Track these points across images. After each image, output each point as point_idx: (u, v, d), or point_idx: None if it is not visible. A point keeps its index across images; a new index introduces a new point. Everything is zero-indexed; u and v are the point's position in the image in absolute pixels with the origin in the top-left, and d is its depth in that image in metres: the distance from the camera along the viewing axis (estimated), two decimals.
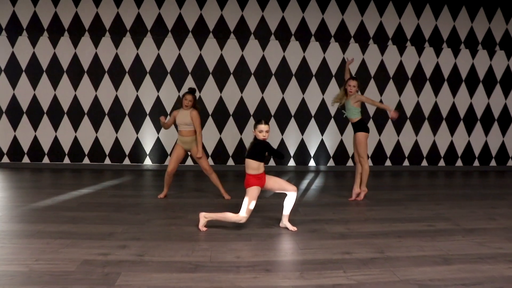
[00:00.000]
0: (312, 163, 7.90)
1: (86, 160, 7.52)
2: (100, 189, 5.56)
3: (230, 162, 7.72)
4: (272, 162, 7.76)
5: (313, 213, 4.45)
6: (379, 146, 7.98)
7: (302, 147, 7.83)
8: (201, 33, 7.47)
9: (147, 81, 7.47)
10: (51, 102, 7.38)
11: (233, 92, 7.60)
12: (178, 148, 5.04)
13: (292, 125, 7.76)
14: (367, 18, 7.73)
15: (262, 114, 7.50)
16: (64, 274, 2.65)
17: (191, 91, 5.03)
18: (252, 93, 7.63)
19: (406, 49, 7.87)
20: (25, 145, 7.44)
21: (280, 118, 7.71)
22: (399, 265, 2.93)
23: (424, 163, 8.15)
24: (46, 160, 7.48)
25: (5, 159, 7.45)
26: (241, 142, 7.66)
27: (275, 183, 3.75)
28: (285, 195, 3.83)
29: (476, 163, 8.29)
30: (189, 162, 7.56)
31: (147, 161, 7.62)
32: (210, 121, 7.59)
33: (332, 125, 7.84)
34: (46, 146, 7.46)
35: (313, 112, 7.78)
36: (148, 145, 7.59)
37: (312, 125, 7.81)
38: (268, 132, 3.62)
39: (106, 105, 7.46)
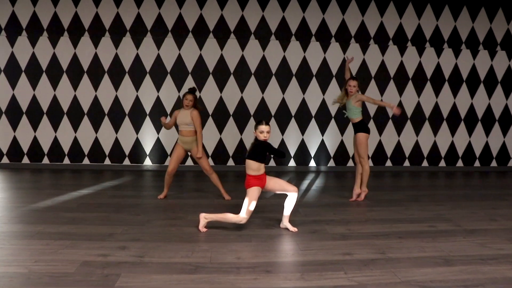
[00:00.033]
0: (312, 163, 7.89)
1: (86, 161, 7.51)
2: (100, 190, 5.54)
3: (230, 162, 7.70)
4: (272, 163, 7.75)
5: (313, 213, 4.44)
6: (380, 147, 7.97)
7: (302, 148, 7.81)
8: (201, 33, 7.46)
9: (147, 81, 7.45)
10: (50, 102, 7.37)
11: (233, 92, 7.59)
12: (178, 148, 5.03)
13: (293, 125, 7.75)
14: (367, 18, 7.71)
15: (262, 114, 7.49)
16: (63, 275, 2.64)
17: (192, 90, 5.02)
18: (253, 93, 7.61)
19: (407, 49, 7.86)
20: (25, 146, 7.43)
21: (280, 119, 7.69)
22: (400, 266, 2.91)
23: (425, 163, 8.13)
24: (46, 160, 7.47)
25: (5, 160, 7.44)
26: (241, 142, 7.65)
27: (275, 184, 3.73)
28: (285, 195, 3.81)
29: (477, 163, 8.28)
30: (189, 162, 7.54)
31: (147, 162, 7.60)
32: (210, 121, 7.58)
33: (332, 126, 7.83)
34: (46, 146, 7.44)
35: (313, 112, 7.77)
36: (148, 146, 7.57)
37: (313, 125, 7.79)
38: (269, 133, 3.60)
39: (106, 105, 7.45)
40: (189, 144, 4.98)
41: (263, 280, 2.65)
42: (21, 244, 3.23)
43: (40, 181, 6.22)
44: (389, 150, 8.01)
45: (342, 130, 7.83)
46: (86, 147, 7.49)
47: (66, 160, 7.49)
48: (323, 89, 7.74)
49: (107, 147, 7.51)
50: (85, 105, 7.42)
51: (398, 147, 8.02)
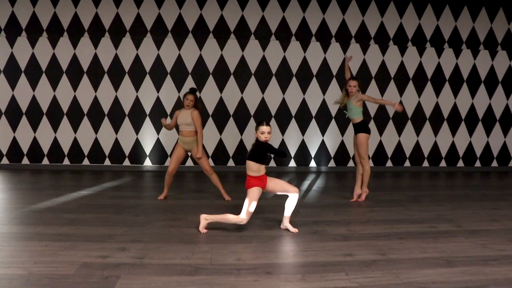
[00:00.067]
0: (313, 163, 7.87)
1: (86, 161, 7.50)
2: (99, 191, 5.53)
3: (231, 163, 7.69)
4: (272, 163, 7.73)
5: (314, 214, 4.42)
6: (380, 147, 7.95)
7: (303, 148, 7.80)
8: (201, 33, 7.44)
9: (147, 81, 7.44)
10: (50, 103, 7.35)
11: (233, 92, 7.57)
12: (178, 148, 5.01)
13: (293, 125, 7.73)
14: (368, 18, 7.70)
15: (262, 115, 7.48)
16: (63, 277, 2.62)
17: (192, 91, 5.00)
18: (253, 94, 7.60)
19: (407, 49, 7.84)
20: (25, 146, 7.41)
21: (280, 119, 7.68)
22: (402, 267, 2.90)
23: (425, 163, 8.11)
24: (45, 161, 7.45)
25: (5, 161, 7.42)
26: (241, 143, 7.63)
27: (276, 185, 3.71)
28: (286, 196, 3.80)
29: (478, 163, 8.26)
30: (189, 163, 7.53)
31: (147, 162, 7.59)
32: (210, 121, 7.56)
33: (333, 126, 7.81)
34: (45, 147, 7.43)
35: (313, 112, 7.75)
36: (148, 146, 7.56)
37: (313, 125, 7.77)
38: (270, 134, 3.58)
39: (106, 106, 7.43)
40: (190, 144, 4.97)
41: (263, 281, 2.63)
42: (21, 245, 3.21)
43: (39, 182, 6.20)
44: (389, 150, 7.99)
45: (342, 130, 7.82)
46: (86, 147, 7.47)
47: (66, 161, 7.47)
48: (324, 89, 7.73)
49: (107, 148, 7.50)
50: (85, 106, 7.40)
51: (399, 147, 8.01)
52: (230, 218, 3.61)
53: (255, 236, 3.60)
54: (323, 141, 7.82)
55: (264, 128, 3.55)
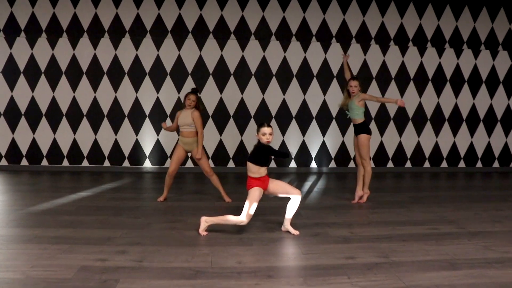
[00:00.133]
0: (313, 164, 7.83)
1: (85, 163, 7.46)
2: (99, 192, 5.49)
3: (231, 164, 7.65)
4: (273, 164, 7.70)
5: (315, 216, 4.38)
6: (381, 148, 7.92)
7: (303, 149, 7.76)
8: (201, 33, 7.41)
9: (147, 82, 7.40)
10: (49, 103, 7.32)
11: (233, 93, 7.54)
12: (179, 149, 4.97)
13: (293, 126, 7.69)
14: (368, 18, 7.67)
15: (263, 116, 7.44)
16: (60, 281, 2.58)
17: (194, 91, 4.97)
18: (253, 94, 7.56)
19: (408, 50, 7.81)
20: (24, 148, 7.37)
21: (281, 120, 7.64)
22: (405, 270, 2.86)
23: (427, 164, 8.08)
24: (44, 162, 7.41)
25: (3, 162, 7.39)
26: (241, 143, 7.59)
27: (278, 187, 3.67)
28: (287, 198, 3.76)
29: (479, 164, 8.22)
30: (189, 164, 7.49)
31: (147, 163, 7.55)
32: (210, 122, 7.52)
33: (333, 126, 7.77)
34: (44, 148, 7.39)
35: (314, 113, 7.72)
36: (147, 147, 7.52)
37: (314, 126, 7.74)
38: (272, 135, 3.54)
39: (105, 107, 7.39)
40: (190, 145, 4.93)
41: (264, 285, 2.59)
42: (18, 248, 3.17)
43: (38, 183, 6.16)
44: (390, 151, 7.96)
45: (343, 131, 7.78)
46: (85, 149, 7.44)
47: (65, 162, 7.44)
48: (324, 90, 7.70)
49: (106, 149, 7.46)
50: (84, 107, 7.36)
51: (400, 148, 7.97)
52: (230, 219, 3.57)
53: (256, 238, 3.56)
54: (323, 142, 7.79)
55: (265, 129, 3.51)
